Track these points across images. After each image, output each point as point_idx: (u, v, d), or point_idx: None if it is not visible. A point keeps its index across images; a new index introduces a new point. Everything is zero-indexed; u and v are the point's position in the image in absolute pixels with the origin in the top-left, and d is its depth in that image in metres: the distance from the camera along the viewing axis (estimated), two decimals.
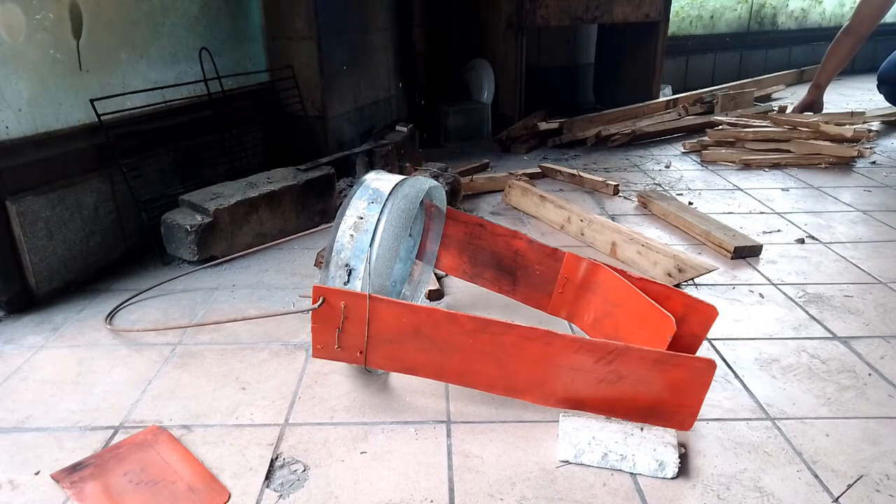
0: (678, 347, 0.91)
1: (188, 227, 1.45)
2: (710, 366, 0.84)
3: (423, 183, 1.04)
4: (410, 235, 1.21)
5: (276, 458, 0.86)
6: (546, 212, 1.78)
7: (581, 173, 2.14)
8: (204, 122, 1.73)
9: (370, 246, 0.90)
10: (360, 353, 0.91)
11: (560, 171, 2.22)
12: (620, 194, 2.01)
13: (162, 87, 1.61)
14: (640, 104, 3.10)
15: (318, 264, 1.48)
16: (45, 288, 1.31)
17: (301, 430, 0.91)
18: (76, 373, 1.07)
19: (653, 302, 0.95)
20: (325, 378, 1.04)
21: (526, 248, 1.16)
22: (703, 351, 1.10)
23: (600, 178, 2.07)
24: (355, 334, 0.90)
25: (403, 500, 0.78)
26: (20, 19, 1.25)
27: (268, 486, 0.81)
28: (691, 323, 0.97)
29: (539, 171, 2.27)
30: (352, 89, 2.26)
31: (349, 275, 0.91)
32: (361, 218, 0.92)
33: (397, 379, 1.03)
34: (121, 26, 1.50)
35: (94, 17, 1.42)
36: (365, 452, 0.87)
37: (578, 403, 0.91)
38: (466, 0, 2.99)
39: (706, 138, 2.54)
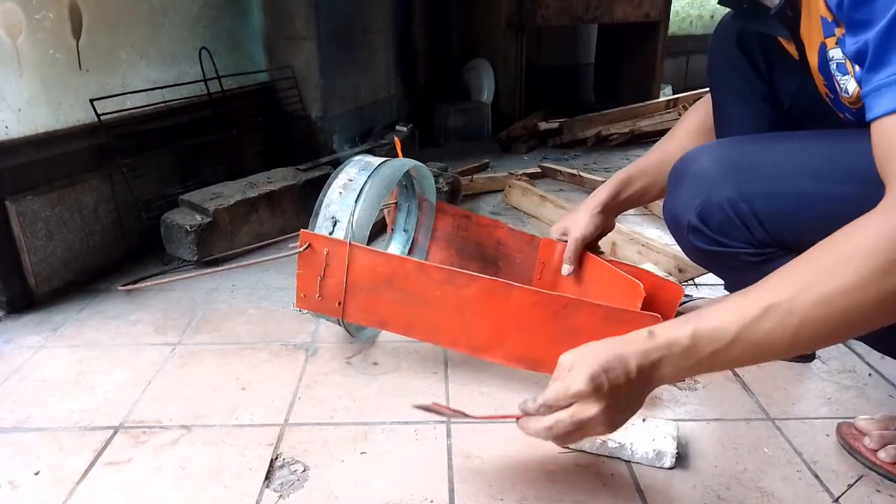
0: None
1: (188, 227, 1.45)
2: (655, 322, 0.84)
3: (408, 161, 1.11)
4: (405, 230, 1.24)
5: (276, 458, 0.86)
6: (546, 212, 1.78)
7: (581, 173, 2.14)
8: (204, 122, 1.73)
9: (356, 202, 0.98)
10: (339, 304, 0.97)
11: (560, 171, 2.22)
12: None
13: (162, 87, 1.61)
14: (640, 104, 3.10)
15: None
16: (44, 288, 1.31)
17: (301, 430, 0.91)
18: (76, 373, 1.07)
19: (621, 272, 0.98)
20: (325, 378, 1.04)
21: (507, 237, 1.18)
22: None
23: (601, 178, 2.07)
24: (335, 283, 0.96)
25: (403, 500, 0.78)
26: (20, 19, 1.25)
27: (268, 487, 0.80)
28: (659, 302, 0.99)
29: (539, 171, 2.27)
30: (352, 89, 2.26)
31: (334, 225, 0.99)
32: (351, 180, 1.02)
33: (397, 379, 1.03)
34: (121, 26, 1.50)
35: (94, 16, 1.42)
36: (365, 452, 0.87)
37: (537, 364, 0.93)
38: (466, 0, 2.99)
39: None
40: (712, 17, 4.23)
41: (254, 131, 1.94)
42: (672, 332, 0.63)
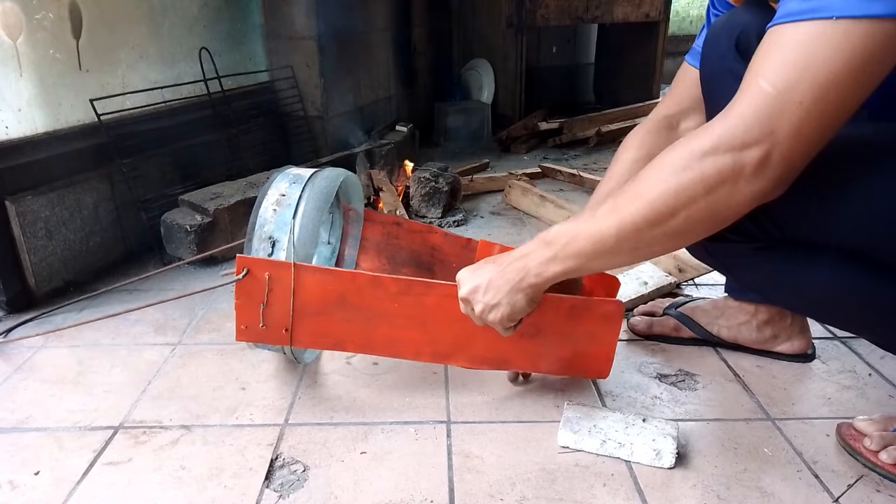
0: None
1: (188, 226, 1.45)
2: (618, 308, 0.88)
3: (340, 170, 1.06)
4: (329, 242, 1.19)
5: (276, 458, 0.86)
6: (546, 212, 1.78)
7: (581, 173, 2.14)
8: (204, 122, 1.73)
9: (293, 218, 0.91)
10: (286, 330, 0.90)
11: (560, 171, 2.22)
12: None
13: (162, 87, 1.61)
14: (641, 104, 3.10)
15: None
16: (44, 288, 1.31)
17: (301, 430, 0.91)
18: (76, 373, 1.07)
19: None
20: (325, 378, 1.04)
21: (441, 242, 1.16)
22: (709, 353, 1.10)
23: (601, 178, 2.07)
24: (280, 309, 0.89)
25: (403, 500, 0.78)
26: (20, 19, 1.25)
27: (268, 487, 0.81)
28: (599, 295, 1.00)
29: (539, 171, 2.27)
30: (352, 89, 2.26)
31: (273, 247, 0.91)
32: (283, 195, 0.94)
33: (397, 379, 1.03)
34: (121, 26, 1.50)
35: (93, 16, 1.42)
36: (365, 452, 0.87)
37: (504, 362, 0.94)
38: (466, 0, 2.99)
39: None
40: None
41: (254, 131, 1.94)
42: (539, 234, 0.79)
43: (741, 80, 0.86)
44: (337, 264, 1.20)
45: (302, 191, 0.94)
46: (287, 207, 0.92)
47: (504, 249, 1.12)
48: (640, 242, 0.70)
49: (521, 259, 0.78)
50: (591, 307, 0.89)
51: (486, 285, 0.80)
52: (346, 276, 0.90)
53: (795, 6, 0.59)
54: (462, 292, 0.83)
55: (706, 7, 1.01)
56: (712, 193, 0.63)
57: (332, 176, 1.00)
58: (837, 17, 0.56)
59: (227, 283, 0.89)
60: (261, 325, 0.89)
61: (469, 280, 0.82)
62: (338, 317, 0.90)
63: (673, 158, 0.66)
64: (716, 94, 0.92)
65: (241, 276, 0.87)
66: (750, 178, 0.61)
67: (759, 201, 0.64)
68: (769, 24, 0.63)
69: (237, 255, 0.88)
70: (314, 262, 1.16)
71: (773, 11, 0.80)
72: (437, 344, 0.92)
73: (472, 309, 0.82)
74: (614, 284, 1.02)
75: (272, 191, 0.95)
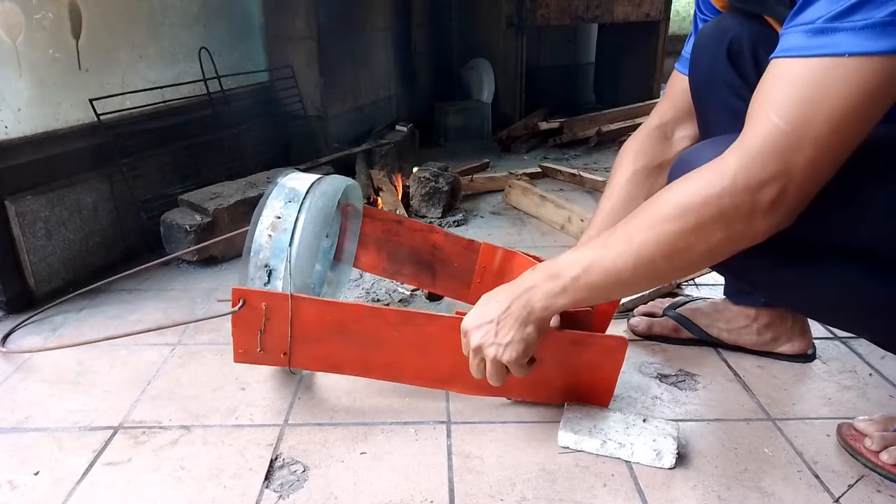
0: (592, 325, 0.94)
1: (187, 226, 1.45)
2: (621, 343, 0.88)
3: (340, 181, 1.03)
4: (328, 236, 1.17)
5: (276, 458, 0.85)
6: (546, 212, 1.78)
7: (582, 173, 2.14)
8: (203, 122, 1.73)
9: (290, 245, 0.88)
10: (284, 354, 0.90)
11: (560, 171, 2.22)
12: None
13: (161, 87, 1.61)
14: (641, 104, 3.10)
15: None
16: (44, 288, 1.31)
17: (300, 430, 0.91)
18: (76, 373, 1.06)
19: None
20: (325, 378, 1.04)
21: (443, 242, 1.16)
22: (709, 354, 1.10)
23: (601, 178, 2.07)
24: (278, 336, 0.89)
25: (403, 500, 0.78)
26: (20, 19, 1.25)
27: (267, 487, 0.80)
28: (600, 309, 0.99)
29: (539, 170, 2.27)
30: (352, 89, 2.27)
31: (269, 275, 0.89)
32: (279, 217, 0.90)
33: None
34: (120, 26, 1.50)
35: (93, 16, 1.42)
36: (365, 453, 0.86)
37: (503, 390, 0.93)
38: (466, 0, 2.99)
39: None
40: None
41: (254, 131, 1.94)
42: (543, 264, 0.78)
43: (732, 87, 0.87)
44: (336, 257, 1.20)
45: (298, 212, 0.91)
46: (283, 233, 0.89)
47: (507, 254, 1.12)
48: (655, 274, 0.71)
49: (526, 293, 0.77)
50: (595, 342, 0.88)
51: (495, 328, 0.78)
52: (345, 308, 0.89)
53: (803, 41, 0.59)
54: (473, 342, 0.80)
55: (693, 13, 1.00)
56: (730, 228, 0.65)
57: (330, 192, 0.97)
58: (850, 54, 0.57)
59: (223, 315, 0.88)
60: (258, 349, 0.90)
61: (476, 327, 0.80)
62: (336, 343, 0.90)
63: (690, 193, 0.66)
64: (706, 101, 0.92)
65: (237, 307, 0.86)
66: (766, 213, 0.63)
67: (775, 231, 0.66)
68: (772, 56, 0.63)
69: (233, 286, 0.87)
70: None
71: (762, 18, 0.80)
72: (437, 371, 0.92)
73: (485, 356, 0.80)
74: (614, 301, 1.01)
75: (267, 211, 0.92)
